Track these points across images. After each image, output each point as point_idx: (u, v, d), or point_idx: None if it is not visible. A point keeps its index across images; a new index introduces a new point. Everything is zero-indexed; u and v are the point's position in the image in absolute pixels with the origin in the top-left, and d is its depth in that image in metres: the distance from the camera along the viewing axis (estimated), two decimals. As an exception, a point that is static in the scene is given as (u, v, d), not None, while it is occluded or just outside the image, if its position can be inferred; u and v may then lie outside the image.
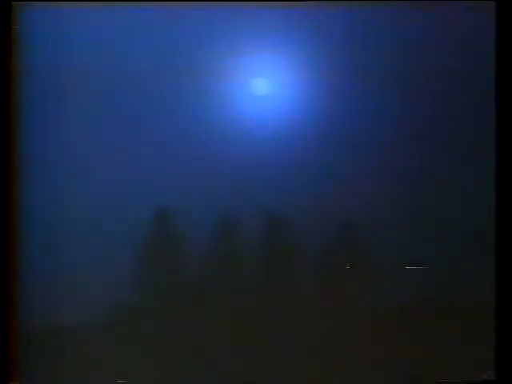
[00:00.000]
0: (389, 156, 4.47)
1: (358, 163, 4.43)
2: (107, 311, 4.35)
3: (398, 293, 4.42)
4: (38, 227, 4.36)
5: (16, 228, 4.29)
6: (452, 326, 4.38)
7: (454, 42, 4.56)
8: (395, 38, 4.54)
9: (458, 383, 4.33)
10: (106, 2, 4.42)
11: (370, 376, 4.31)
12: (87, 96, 4.42)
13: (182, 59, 4.42)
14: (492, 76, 4.44)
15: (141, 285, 4.38)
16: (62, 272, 4.35)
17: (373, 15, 4.52)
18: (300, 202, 4.39)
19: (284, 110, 4.47)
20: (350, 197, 4.42)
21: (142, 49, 4.43)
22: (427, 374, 4.35)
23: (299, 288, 4.41)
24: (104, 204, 4.33)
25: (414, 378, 4.35)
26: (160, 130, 4.40)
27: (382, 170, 4.45)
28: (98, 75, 4.42)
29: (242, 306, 4.35)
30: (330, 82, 4.46)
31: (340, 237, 4.42)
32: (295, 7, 4.42)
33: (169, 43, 4.43)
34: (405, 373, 4.34)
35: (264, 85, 4.48)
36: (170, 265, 4.38)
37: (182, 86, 4.41)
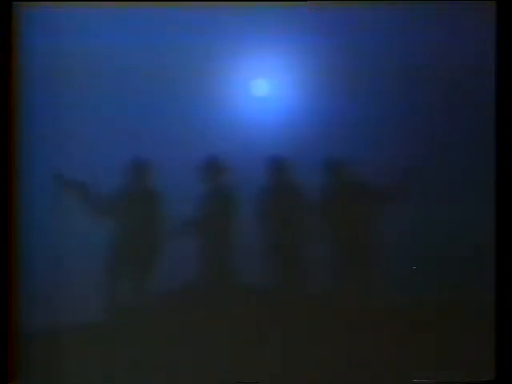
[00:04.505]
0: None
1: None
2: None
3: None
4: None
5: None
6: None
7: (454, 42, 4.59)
8: (395, 37, 4.57)
9: (458, 383, 4.33)
10: (106, 3, 4.46)
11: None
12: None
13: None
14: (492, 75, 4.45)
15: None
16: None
17: (373, 14, 4.55)
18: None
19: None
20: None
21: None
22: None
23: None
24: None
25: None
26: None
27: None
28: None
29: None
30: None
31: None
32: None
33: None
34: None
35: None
36: None
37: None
